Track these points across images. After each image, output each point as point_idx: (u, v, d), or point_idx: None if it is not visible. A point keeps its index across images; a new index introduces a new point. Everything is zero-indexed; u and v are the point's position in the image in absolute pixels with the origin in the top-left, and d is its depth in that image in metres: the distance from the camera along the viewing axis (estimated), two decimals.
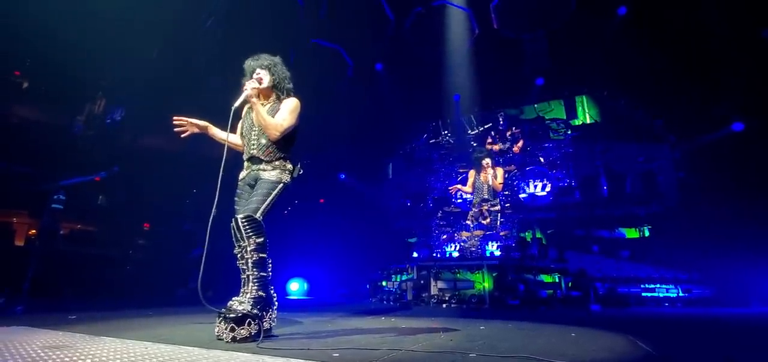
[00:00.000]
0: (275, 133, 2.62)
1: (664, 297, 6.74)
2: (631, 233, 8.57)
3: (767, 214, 6.39)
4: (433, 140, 10.43)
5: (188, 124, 2.76)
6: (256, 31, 8.11)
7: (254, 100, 2.60)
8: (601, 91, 10.14)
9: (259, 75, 2.72)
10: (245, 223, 2.48)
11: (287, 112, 2.68)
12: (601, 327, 3.29)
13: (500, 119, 9.18)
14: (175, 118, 2.75)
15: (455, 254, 7.02)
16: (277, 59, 2.84)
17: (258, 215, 2.52)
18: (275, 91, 2.80)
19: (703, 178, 7.97)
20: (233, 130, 2.79)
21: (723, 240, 6.61)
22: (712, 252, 6.68)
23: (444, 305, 5.99)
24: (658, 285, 6.83)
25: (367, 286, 8.27)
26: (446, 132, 10.28)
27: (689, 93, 8.28)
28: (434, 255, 7.20)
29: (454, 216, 7.96)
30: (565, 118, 10.19)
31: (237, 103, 2.59)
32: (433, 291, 6.24)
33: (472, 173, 7.24)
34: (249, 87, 2.60)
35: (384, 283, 7.50)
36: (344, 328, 3.11)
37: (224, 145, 2.67)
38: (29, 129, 7.94)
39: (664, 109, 9.16)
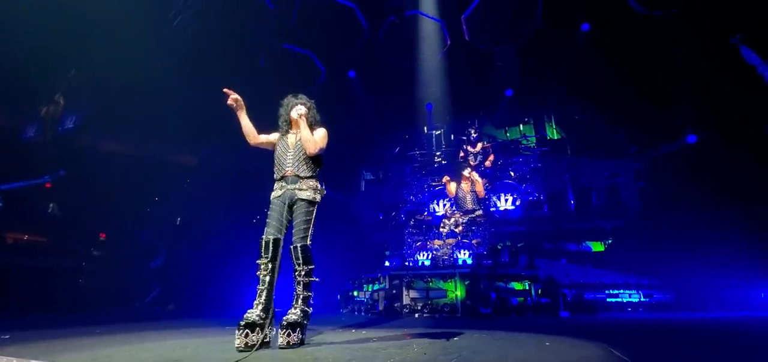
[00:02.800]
0: (314, 149, 3.07)
1: (627, 302, 6.95)
2: (597, 246, 8.85)
3: (724, 222, 6.74)
4: (408, 153, 10.41)
5: (237, 101, 3.08)
6: (225, 32, 7.83)
7: (303, 121, 3.11)
8: (564, 107, 10.52)
9: (300, 109, 3.16)
10: (304, 252, 2.93)
11: (322, 134, 3.20)
12: (574, 334, 3.28)
13: (472, 132, 9.27)
14: (232, 95, 3.06)
15: (427, 263, 6.96)
16: (313, 102, 3.32)
17: (309, 243, 2.98)
18: (310, 126, 3.21)
19: (663, 188, 8.36)
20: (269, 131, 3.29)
21: (682, 246, 6.92)
22: (671, 258, 6.96)
23: (416, 314, 5.90)
24: (621, 291, 7.03)
25: (338, 297, 8.07)
26: (417, 149, 10.30)
27: (647, 106, 8.72)
28: (406, 264, 7.12)
29: (427, 224, 7.93)
30: (535, 137, 10.45)
31: (293, 114, 3.14)
32: (406, 300, 6.14)
33: (452, 185, 7.25)
34: (303, 108, 3.14)
35: (355, 293, 7.33)
36: (310, 342, 2.95)
37: (247, 139, 3.18)
38: None
39: (625, 123, 9.60)
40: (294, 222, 3.02)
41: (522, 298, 6.15)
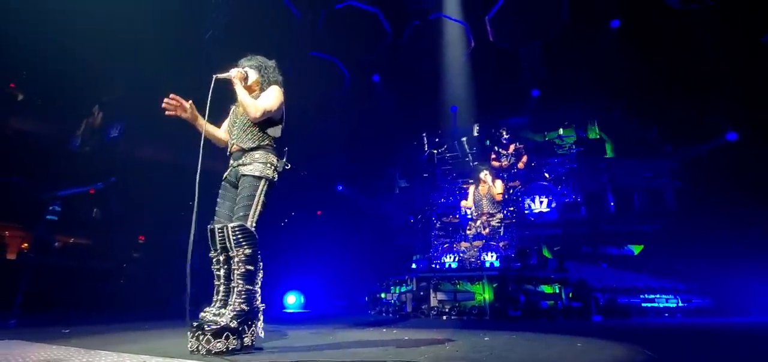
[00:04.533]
0: (256, 113, 2.52)
1: (664, 307, 6.70)
2: (639, 249, 8.49)
3: (765, 222, 6.41)
4: (437, 152, 10.42)
5: (178, 106, 2.58)
6: (254, 43, 8.11)
7: (236, 81, 2.56)
8: (594, 106, 10.26)
9: (246, 68, 2.70)
10: (237, 232, 2.37)
11: (269, 93, 2.63)
12: (607, 337, 3.25)
13: (504, 134, 9.13)
14: (170, 96, 2.57)
15: (454, 265, 6.96)
16: (272, 63, 2.80)
17: (249, 223, 2.41)
18: (262, 89, 2.72)
19: (701, 188, 8.02)
20: (211, 116, 2.70)
21: (722, 249, 6.62)
22: (711, 262, 6.67)
23: (444, 317, 5.92)
24: (657, 296, 6.79)
25: (366, 298, 8.18)
26: (445, 148, 10.28)
27: (683, 103, 8.39)
28: (433, 266, 7.14)
29: (453, 226, 7.92)
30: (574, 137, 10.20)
31: (220, 76, 2.54)
32: (433, 302, 6.17)
33: (471, 188, 7.25)
34: (234, 71, 2.58)
35: (383, 295, 7.41)
36: (345, 341, 3.05)
37: (219, 146, 2.75)
38: (24, 141, 7.88)
39: (659, 120, 9.27)
40: (236, 200, 2.53)
41: (552, 302, 6.06)
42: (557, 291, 6.18)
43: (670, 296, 6.73)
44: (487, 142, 10.08)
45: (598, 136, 10.30)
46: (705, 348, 2.87)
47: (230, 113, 2.80)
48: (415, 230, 9.13)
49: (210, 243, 2.52)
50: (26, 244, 7.58)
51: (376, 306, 7.50)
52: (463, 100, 10.50)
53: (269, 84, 2.71)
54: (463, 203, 7.54)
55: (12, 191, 7.29)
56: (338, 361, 2.09)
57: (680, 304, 6.63)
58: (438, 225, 8.00)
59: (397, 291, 6.96)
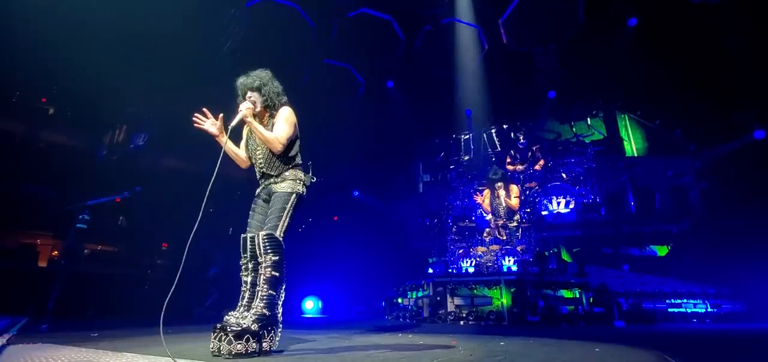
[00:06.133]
0: (278, 146, 2.67)
1: (692, 312, 6.47)
2: (662, 251, 8.22)
3: None
4: (454, 158, 10.39)
5: (206, 121, 2.73)
6: (271, 53, 8.33)
7: (250, 119, 2.63)
8: (613, 106, 10.06)
9: (251, 97, 2.74)
10: (266, 240, 2.52)
11: (283, 121, 2.73)
12: (627, 342, 3.17)
13: (520, 138, 9.01)
14: (202, 110, 2.74)
15: (471, 270, 6.90)
16: (266, 75, 2.82)
17: (278, 233, 2.57)
18: (268, 110, 2.81)
19: (727, 188, 7.74)
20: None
21: (753, 251, 6.35)
22: (741, 264, 6.41)
23: (461, 322, 5.88)
24: (684, 300, 6.57)
25: (383, 303, 8.19)
26: (462, 153, 10.24)
27: (706, 101, 8.12)
28: (450, 270, 7.10)
29: (470, 231, 7.86)
30: (605, 134, 9.96)
31: (233, 123, 2.62)
32: (450, 307, 6.13)
33: (487, 192, 7.16)
34: (243, 108, 2.63)
35: (400, 300, 7.41)
36: (361, 344, 3.07)
37: (240, 166, 2.90)
38: (54, 153, 8.26)
39: (682, 119, 9.00)
40: (267, 213, 2.69)
41: (572, 306, 5.94)
42: (578, 295, 6.06)
43: (699, 301, 6.50)
44: (498, 141, 10.00)
45: (627, 130, 10.06)
46: (735, 355, 2.77)
47: (248, 135, 2.91)
48: (430, 233, 9.10)
49: (241, 250, 2.67)
50: (56, 252, 7.92)
51: (393, 312, 7.51)
52: (478, 104, 10.45)
53: (275, 105, 2.79)
54: (479, 199, 7.40)
55: (43, 203, 7.64)
56: None
57: (709, 309, 6.40)
58: (454, 229, 7.96)
59: (414, 296, 6.95)
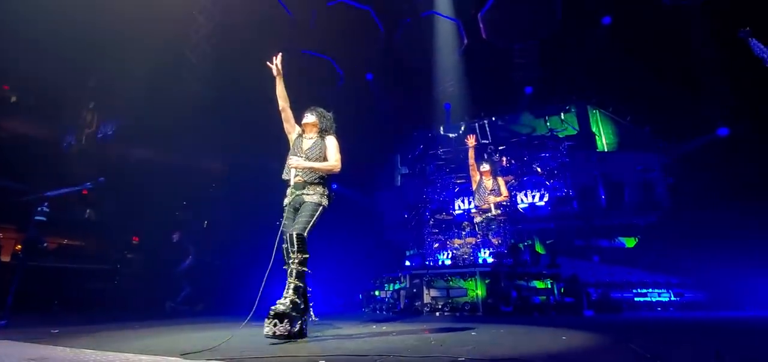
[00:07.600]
0: (338, 168, 3.35)
1: (657, 301, 6.76)
2: (631, 243, 8.53)
3: (758, 217, 6.45)
4: (430, 151, 10.43)
5: (278, 69, 3.40)
6: (246, 41, 8.13)
7: (313, 164, 3.27)
8: (587, 102, 10.32)
9: (314, 116, 3.46)
10: (295, 238, 2.99)
11: (334, 149, 3.40)
12: (592, 330, 3.27)
13: (486, 128, 9.17)
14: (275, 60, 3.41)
15: (448, 262, 6.97)
16: (329, 114, 3.54)
17: (305, 233, 3.05)
18: (320, 132, 3.44)
19: (693, 183, 8.06)
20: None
21: (715, 243, 6.65)
22: (704, 256, 6.71)
23: (437, 313, 5.94)
24: (650, 290, 6.84)
25: (360, 296, 8.19)
26: (440, 148, 10.29)
27: (674, 100, 8.43)
28: (427, 263, 7.15)
29: (447, 223, 7.93)
30: (578, 129, 10.18)
31: (285, 176, 3.33)
32: (426, 299, 6.19)
33: (476, 176, 6.98)
34: (294, 161, 3.26)
35: (377, 292, 7.43)
36: (334, 335, 3.07)
37: (279, 102, 3.50)
38: (17, 143, 7.85)
39: (651, 116, 9.31)
40: (297, 217, 3.18)
41: (544, 297, 6.09)
42: (549, 286, 6.22)
43: (663, 290, 6.78)
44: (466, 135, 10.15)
45: (598, 126, 10.34)
46: (693, 342, 2.89)
47: (296, 138, 3.46)
48: (408, 226, 9.14)
49: (287, 241, 3.09)
50: (20, 246, 7.55)
51: (370, 304, 7.52)
52: (457, 97, 10.52)
53: (327, 130, 3.47)
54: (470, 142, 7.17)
55: (5, 195, 7.26)
56: (322, 355, 2.10)
57: (673, 298, 6.68)
58: (431, 222, 8.01)
59: (391, 288, 6.98)
